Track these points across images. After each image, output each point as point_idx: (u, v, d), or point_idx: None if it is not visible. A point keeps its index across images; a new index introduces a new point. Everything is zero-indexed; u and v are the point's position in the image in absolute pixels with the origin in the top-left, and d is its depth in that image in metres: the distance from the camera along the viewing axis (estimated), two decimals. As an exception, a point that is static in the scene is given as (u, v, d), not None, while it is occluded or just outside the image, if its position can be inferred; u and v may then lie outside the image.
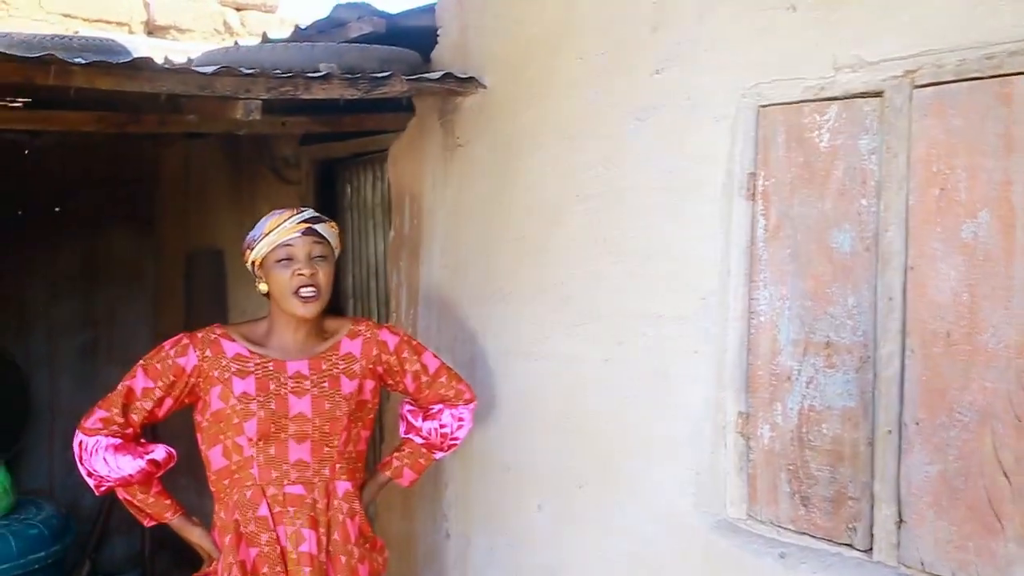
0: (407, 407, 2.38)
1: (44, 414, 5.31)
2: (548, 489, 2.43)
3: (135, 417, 2.11)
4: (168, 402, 2.12)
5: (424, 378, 2.31)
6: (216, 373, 2.10)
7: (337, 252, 2.21)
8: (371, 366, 2.23)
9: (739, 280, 1.98)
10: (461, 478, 2.74)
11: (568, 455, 2.37)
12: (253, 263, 2.18)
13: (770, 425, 1.94)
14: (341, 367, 2.19)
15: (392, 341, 2.28)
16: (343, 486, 2.16)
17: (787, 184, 1.90)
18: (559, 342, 2.41)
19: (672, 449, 2.10)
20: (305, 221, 2.12)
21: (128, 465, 2.11)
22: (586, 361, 2.32)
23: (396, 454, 2.37)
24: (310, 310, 2.11)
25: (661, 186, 2.12)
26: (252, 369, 2.11)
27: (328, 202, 4.07)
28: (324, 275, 2.12)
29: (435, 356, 2.36)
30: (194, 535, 2.18)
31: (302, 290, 2.09)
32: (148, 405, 2.10)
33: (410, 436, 2.36)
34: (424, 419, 2.33)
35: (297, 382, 2.13)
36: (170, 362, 2.11)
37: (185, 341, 2.13)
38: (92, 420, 2.11)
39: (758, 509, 1.96)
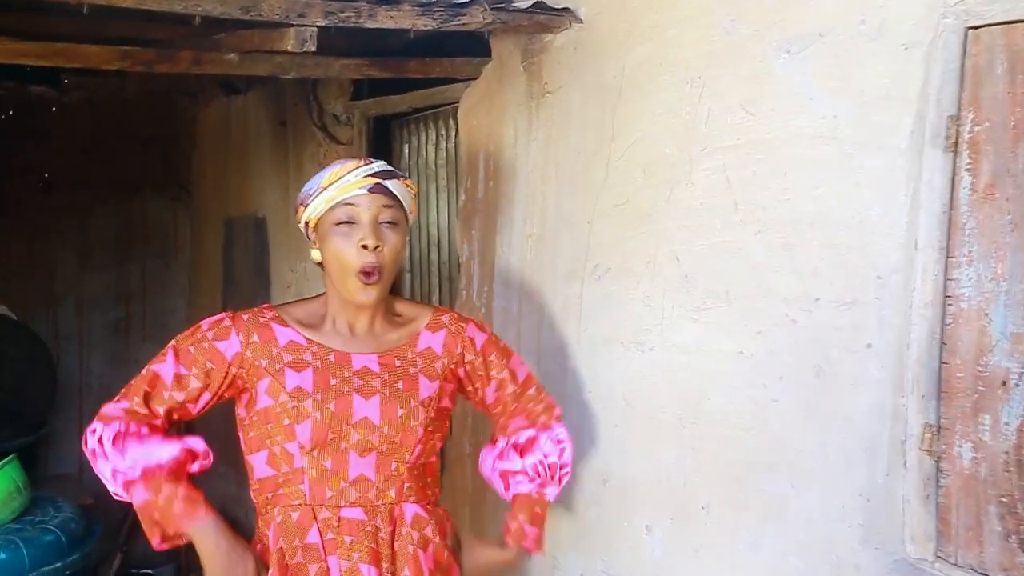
0: (494, 459, 1.98)
1: (73, 394, 5.09)
2: (660, 508, 2.06)
3: (160, 409, 1.74)
4: (205, 396, 1.76)
5: (511, 388, 1.92)
6: (265, 363, 1.74)
7: (412, 219, 1.84)
8: (453, 366, 1.86)
9: (931, 255, 1.57)
10: (547, 488, 2.37)
11: (688, 468, 1.99)
12: (307, 224, 1.80)
13: (972, 443, 1.54)
14: (419, 365, 1.82)
15: (480, 339, 1.90)
16: (412, 510, 1.79)
17: (1008, 130, 1.48)
18: (676, 330, 2.02)
19: (831, 467, 1.71)
20: (374, 175, 1.74)
21: (158, 449, 1.71)
22: (712, 354, 1.94)
23: (509, 514, 1.93)
24: (370, 296, 1.74)
25: (822, 135, 1.72)
26: (309, 361, 1.75)
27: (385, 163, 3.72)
28: (391, 248, 1.74)
29: (523, 362, 1.99)
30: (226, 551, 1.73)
31: (365, 266, 1.71)
32: (179, 396, 1.74)
33: (518, 487, 1.94)
34: (522, 455, 1.94)
35: (364, 380, 1.76)
36: (207, 345, 1.75)
37: (227, 322, 1.77)
38: (110, 408, 1.76)
39: (952, 550, 1.57)
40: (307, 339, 1.77)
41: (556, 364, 2.36)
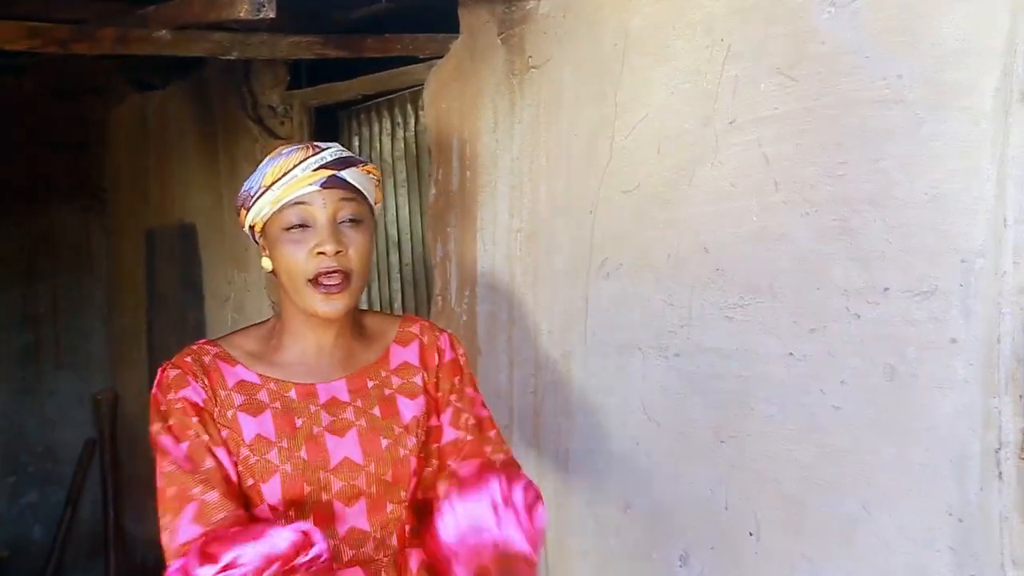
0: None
1: (-24, 432, 4.61)
2: (697, 536, 1.82)
3: (214, 498, 1.37)
4: (223, 457, 1.41)
5: (468, 421, 1.57)
6: (217, 411, 1.44)
7: (377, 209, 1.55)
8: (434, 380, 1.57)
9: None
10: (559, 517, 2.12)
11: (729, 490, 1.76)
12: (251, 228, 1.51)
13: (1086, 449, 1.34)
14: (395, 384, 1.53)
15: (448, 353, 1.59)
16: (418, 558, 1.51)
17: (1120, 81, 1.29)
18: (707, 331, 1.79)
19: (911, 483, 1.50)
20: (327, 165, 1.44)
21: (271, 538, 1.30)
22: (754, 357, 1.71)
23: None
24: (335, 307, 1.43)
25: (884, 99, 1.51)
26: (266, 401, 1.45)
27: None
28: (358, 250, 1.44)
29: (485, 405, 1.64)
30: None
31: (324, 277, 1.42)
32: (214, 470, 1.38)
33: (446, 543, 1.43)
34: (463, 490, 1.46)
35: (334, 414, 1.47)
36: (178, 405, 1.42)
37: (173, 371, 1.45)
38: (179, 536, 1.35)
39: (1067, 574, 1.37)
40: (260, 375, 1.46)
41: (558, 375, 2.11)
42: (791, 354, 1.66)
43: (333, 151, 1.47)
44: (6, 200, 4.60)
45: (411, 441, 1.49)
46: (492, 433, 1.60)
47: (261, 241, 1.51)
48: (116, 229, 4.78)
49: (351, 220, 1.45)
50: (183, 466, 1.39)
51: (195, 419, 1.41)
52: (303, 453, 1.42)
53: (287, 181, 1.43)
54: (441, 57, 2.52)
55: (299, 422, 1.43)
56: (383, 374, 1.52)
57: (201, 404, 1.42)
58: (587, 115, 2.05)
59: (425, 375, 1.55)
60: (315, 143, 1.49)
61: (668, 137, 1.86)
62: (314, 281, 1.42)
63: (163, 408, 1.43)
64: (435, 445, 1.54)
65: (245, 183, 1.51)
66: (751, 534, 1.73)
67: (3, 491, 4.65)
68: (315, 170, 1.43)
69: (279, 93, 3.47)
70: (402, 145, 2.97)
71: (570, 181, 2.09)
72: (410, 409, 1.51)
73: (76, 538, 4.69)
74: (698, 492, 1.82)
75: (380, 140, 3.11)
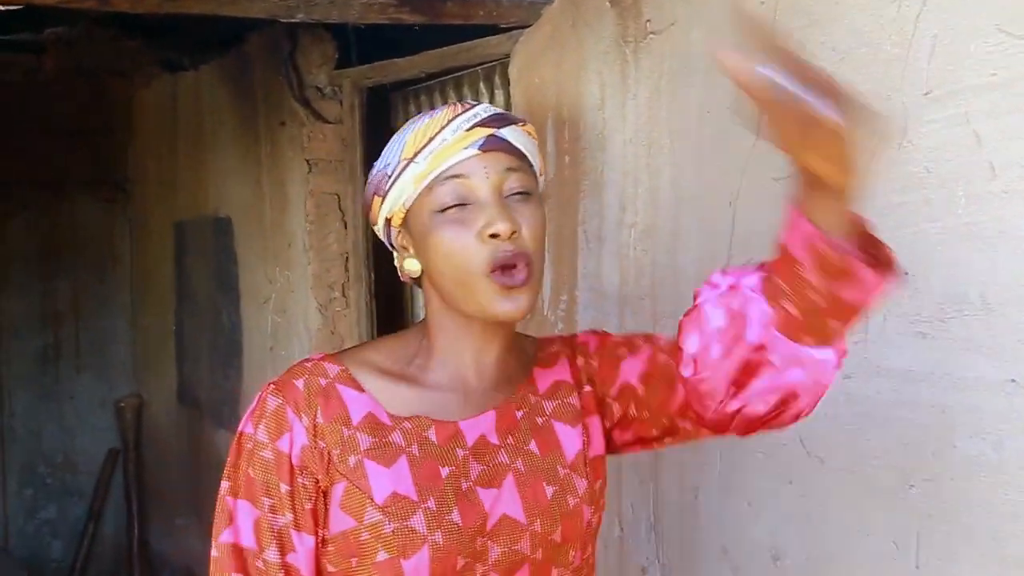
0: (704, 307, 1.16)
1: (-8, 440, 4.40)
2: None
3: None
4: (308, 543, 1.10)
5: (645, 348, 1.24)
6: (336, 454, 1.12)
7: (542, 183, 1.25)
8: (588, 387, 1.26)
9: None
10: (681, 568, 1.83)
11: (924, 544, 1.47)
12: (388, 222, 1.18)
13: None
14: (550, 408, 1.23)
15: (593, 340, 1.30)
16: None
17: None
18: (892, 350, 1.51)
19: None
20: (482, 123, 1.12)
21: None
22: (960, 383, 1.42)
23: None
24: (519, 304, 1.11)
25: None
26: (401, 444, 1.13)
27: (383, 146, 3.14)
28: (533, 231, 1.12)
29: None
30: None
31: (504, 267, 1.09)
32: (275, 558, 1.09)
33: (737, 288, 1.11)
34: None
35: (485, 460, 1.16)
36: (267, 454, 1.11)
37: (273, 401, 1.13)
38: None
39: None
40: (390, 415, 1.14)
41: (685, 398, 1.83)
42: (1013, 380, 1.36)
43: (485, 106, 1.16)
44: (23, 190, 4.42)
45: (581, 485, 1.18)
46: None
47: (400, 238, 1.18)
48: (142, 222, 4.59)
49: (520, 193, 1.13)
50: (246, 546, 1.09)
51: (284, 486, 1.09)
52: (456, 516, 1.10)
53: (436, 147, 1.11)
54: (526, 27, 2.24)
55: (445, 471, 1.12)
56: (532, 399, 1.21)
57: (299, 462, 1.10)
58: (724, 88, 1.73)
59: (582, 390, 1.24)
60: (464, 102, 1.18)
61: (838, 112, 1.57)
62: (495, 272, 1.10)
63: (248, 447, 1.12)
64: (635, 387, 1.23)
65: (377, 164, 1.18)
66: (951, 602, 1.43)
67: (19, 505, 4.46)
68: (468, 130, 1.12)
69: (327, 72, 3.21)
70: (474, 128, 2.70)
71: (701, 167, 1.80)
72: (572, 440, 1.20)
73: (98, 556, 4.52)
74: (877, 546, 1.53)
75: (445, 124, 2.83)
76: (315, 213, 3.20)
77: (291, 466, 1.09)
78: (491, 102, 2.62)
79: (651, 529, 1.97)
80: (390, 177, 1.14)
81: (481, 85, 2.66)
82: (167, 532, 4.38)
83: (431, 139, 1.11)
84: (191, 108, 4.00)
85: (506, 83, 2.39)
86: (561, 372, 1.26)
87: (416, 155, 1.11)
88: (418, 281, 1.19)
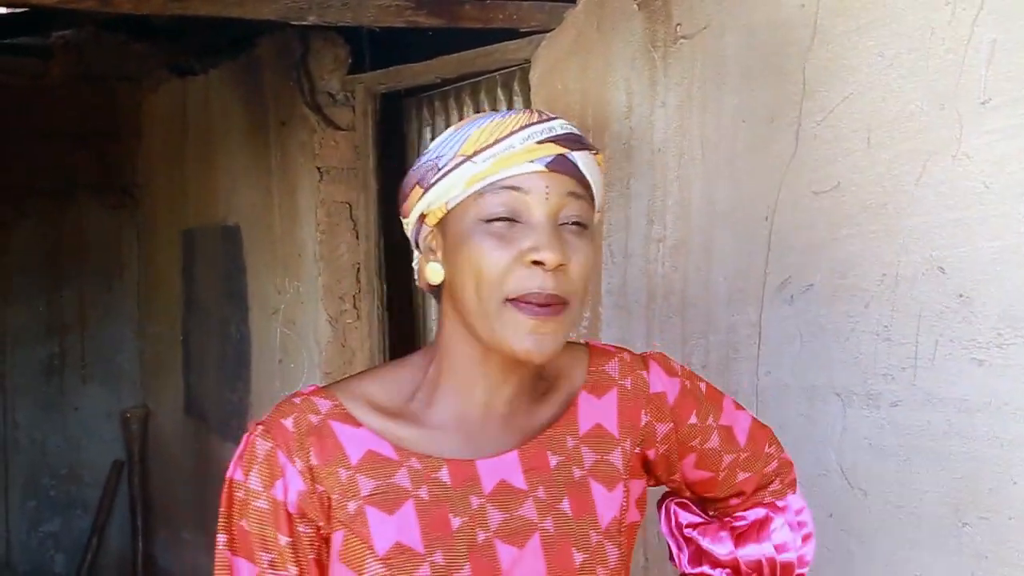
0: (681, 513, 1.25)
1: (-5, 452, 4.34)
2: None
3: None
4: None
5: (727, 459, 1.19)
6: (336, 499, 1.02)
7: (597, 220, 1.14)
8: (639, 449, 1.15)
9: None
10: (713, 602, 1.73)
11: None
12: (422, 218, 1.07)
13: None
14: (589, 462, 1.10)
15: (672, 390, 1.16)
16: None
17: None
18: (943, 376, 1.41)
19: None
20: (556, 140, 1.02)
21: None
22: (1017, 416, 1.33)
23: None
24: (543, 345, 1.00)
25: None
26: (407, 488, 1.03)
27: (396, 153, 3.07)
28: (581, 268, 1.01)
29: (737, 404, 1.24)
30: None
31: (533, 298, 0.99)
32: None
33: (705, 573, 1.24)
34: (739, 543, 1.24)
35: (507, 507, 1.04)
36: (263, 504, 1.01)
37: (263, 445, 1.03)
38: None
39: None
40: (396, 446, 1.04)
41: (717, 423, 1.73)
42: (1082, 413, 1.27)
43: (562, 123, 1.05)
44: (28, 197, 4.35)
45: (613, 555, 1.07)
46: (768, 447, 1.23)
47: (430, 239, 1.07)
48: (149, 229, 4.52)
49: (577, 223, 1.03)
50: None
51: (284, 538, 1.00)
52: (467, 573, 1.01)
53: (500, 152, 1.01)
54: (547, 31, 2.16)
55: (456, 522, 1.01)
56: (570, 443, 1.09)
57: (297, 509, 1.01)
58: (761, 96, 1.67)
59: (627, 447, 1.13)
60: (537, 111, 1.06)
61: (883, 122, 1.48)
62: (516, 301, 1.00)
63: (239, 497, 1.02)
64: (693, 481, 1.21)
65: (426, 153, 1.08)
66: (1013, 650, 1.34)
67: (22, 517, 4.39)
68: (539, 142, 1.01)
69: (339, 77, 3.14)
70: (491, 136, 2.61)
71: (736, 179, 1.71)
72: (608, 505, 1.08)
73: (102, 569, 4.45)
74: (929, 587, 1.43)
75: (461, 131, 2.75)
76: (326, 222, 3.12)
77: (288, 515, 1.00)
78: (509, 109, 2.54)
79: (679, 560, 1.88)
80: (441, 170, 1.03)
81: (499, 91, 2.58)
82: (172, 546, 4.31)
83: (497, 141, 1.00)
84: (200, 113, 3.94)
85: (526, 89, 2.31)
86: (607, 411, 1.13)
87: (476, 154, 1.01)
88: (435, 291, 1.10)
